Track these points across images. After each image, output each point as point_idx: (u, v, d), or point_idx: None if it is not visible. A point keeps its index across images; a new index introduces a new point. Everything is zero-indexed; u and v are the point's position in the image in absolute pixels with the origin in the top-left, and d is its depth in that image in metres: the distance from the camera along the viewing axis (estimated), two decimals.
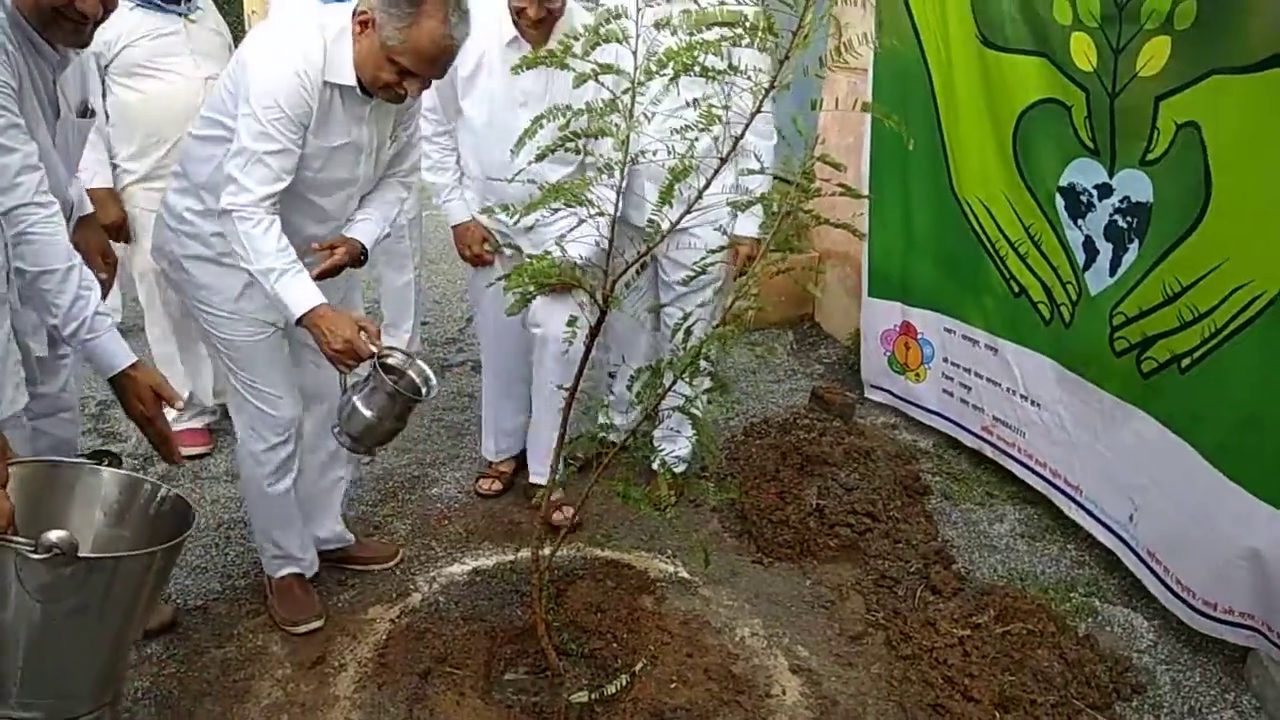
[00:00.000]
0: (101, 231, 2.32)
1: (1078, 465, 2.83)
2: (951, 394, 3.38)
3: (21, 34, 1.62)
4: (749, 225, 2.81)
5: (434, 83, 2.06)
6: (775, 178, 4.12)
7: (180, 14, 2.95)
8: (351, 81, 1.98)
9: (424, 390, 2.12)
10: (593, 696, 2.09)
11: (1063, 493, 2.90)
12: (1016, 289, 2.97)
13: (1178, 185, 2.32)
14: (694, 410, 2.01)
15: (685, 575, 2.67)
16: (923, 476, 3.19)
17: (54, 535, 1.28)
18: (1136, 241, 2.49)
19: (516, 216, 1.93)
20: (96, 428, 3.41)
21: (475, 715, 2.05)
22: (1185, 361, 2.36)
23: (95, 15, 1.66)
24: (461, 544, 2.78)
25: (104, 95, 2.83)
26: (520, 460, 3.08)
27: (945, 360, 3.38)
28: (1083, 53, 2.50)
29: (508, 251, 2.79)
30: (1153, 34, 2.29)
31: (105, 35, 2.72)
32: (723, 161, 1.73)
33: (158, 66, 2.89)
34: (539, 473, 2.88)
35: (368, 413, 2.04)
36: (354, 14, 1.96)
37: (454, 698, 2.08)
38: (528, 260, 1.84)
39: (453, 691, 2.10)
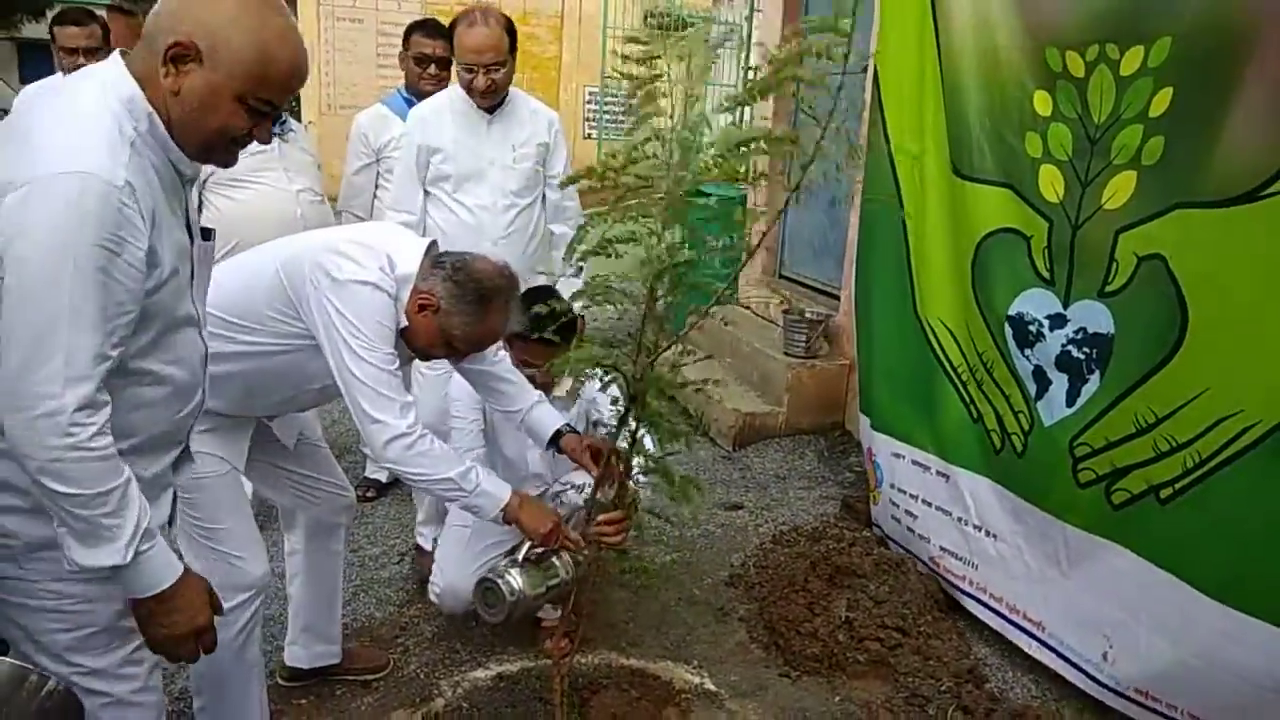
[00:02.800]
0: None
1: (1039, 601, 2.73)
2: (899, 520, 3.31)
3: (163, 155, 1.38)
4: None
5: None
6: (806, 287, 4.19)
7: (274, 134, 3.17)
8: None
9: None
10: None
11: (1022, 629, 2.79)
12: (974, 414, 2.93)
13: (1144, 316, 2.31)
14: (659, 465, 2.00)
15: (711, 687, 2.63)
16: (953, 592, 3.14)
17: None
18: (1098, 373, 2.47)
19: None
20: None
21: None
22: (1165, 492, 2.30)
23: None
24: (487, 648, 2.77)
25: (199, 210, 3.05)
26: None
27: (892, 486, 3.32)
28: (1050, 184, 2.54)
29: None
30: (1120, 169, 2.34)
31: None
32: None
33: (253, 179, 3.17)
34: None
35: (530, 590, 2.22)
36: (414, 291, 2.03)
37: None
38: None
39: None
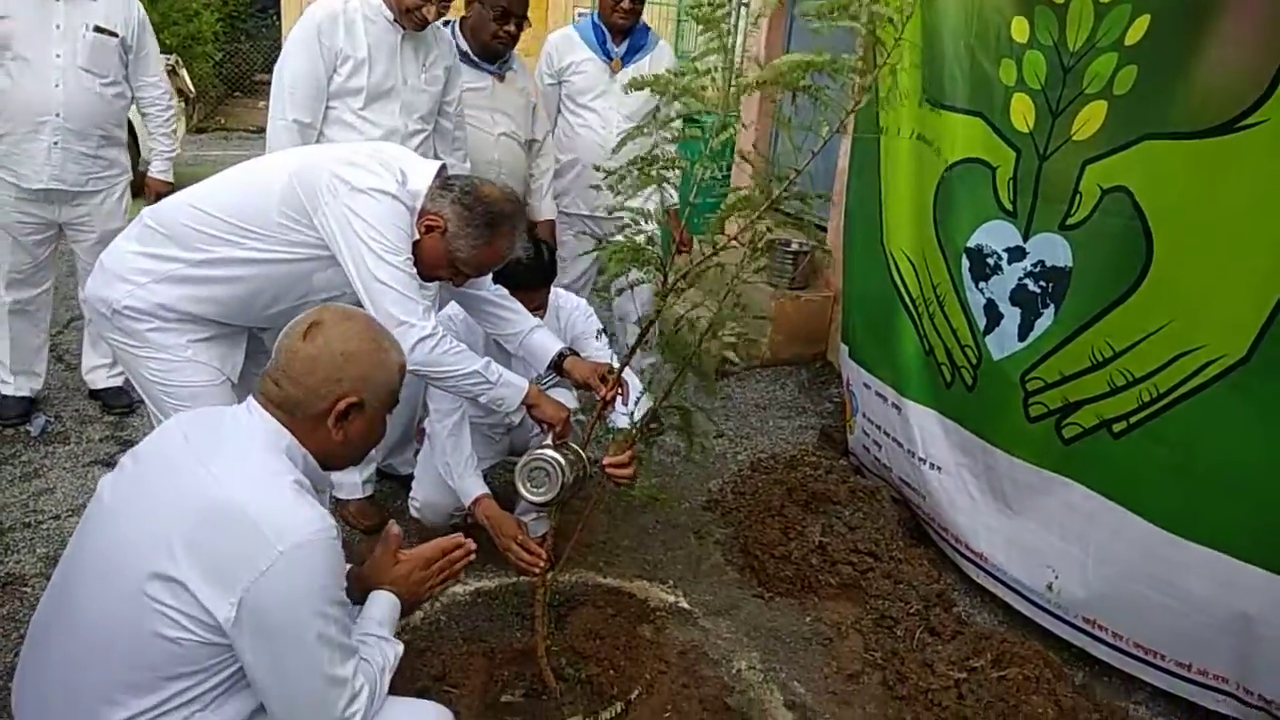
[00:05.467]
0: None
1: (982, 533, 2.78)
2: (868, 450, 3.36)
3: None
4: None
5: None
6: (791, 217, 4.20)
7: (492, 72, 3.24)
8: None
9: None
10: None
11: (969, 560, 2.85)
12: (927, 347, 2.94)
13: (1104, 249, 2.31)
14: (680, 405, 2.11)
15: (685, 605, 2.69)
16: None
17: None
18: (1052, 306, 2.47)
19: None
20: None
21: None
22: (1119, 426, 2.33)
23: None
24: (467, 564, 2.79)
25: None
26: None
27: (864, 416, 3.36)
28: (1021, 114, 2.50)
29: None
30: (1091, 98, 2.31)
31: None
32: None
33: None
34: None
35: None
36: (422, 213, 2.05)
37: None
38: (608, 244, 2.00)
39: (448, 709, 2.12)
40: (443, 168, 2.14)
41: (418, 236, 2.05)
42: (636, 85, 1.89)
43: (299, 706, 1.40)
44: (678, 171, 1.89)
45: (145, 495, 1.43)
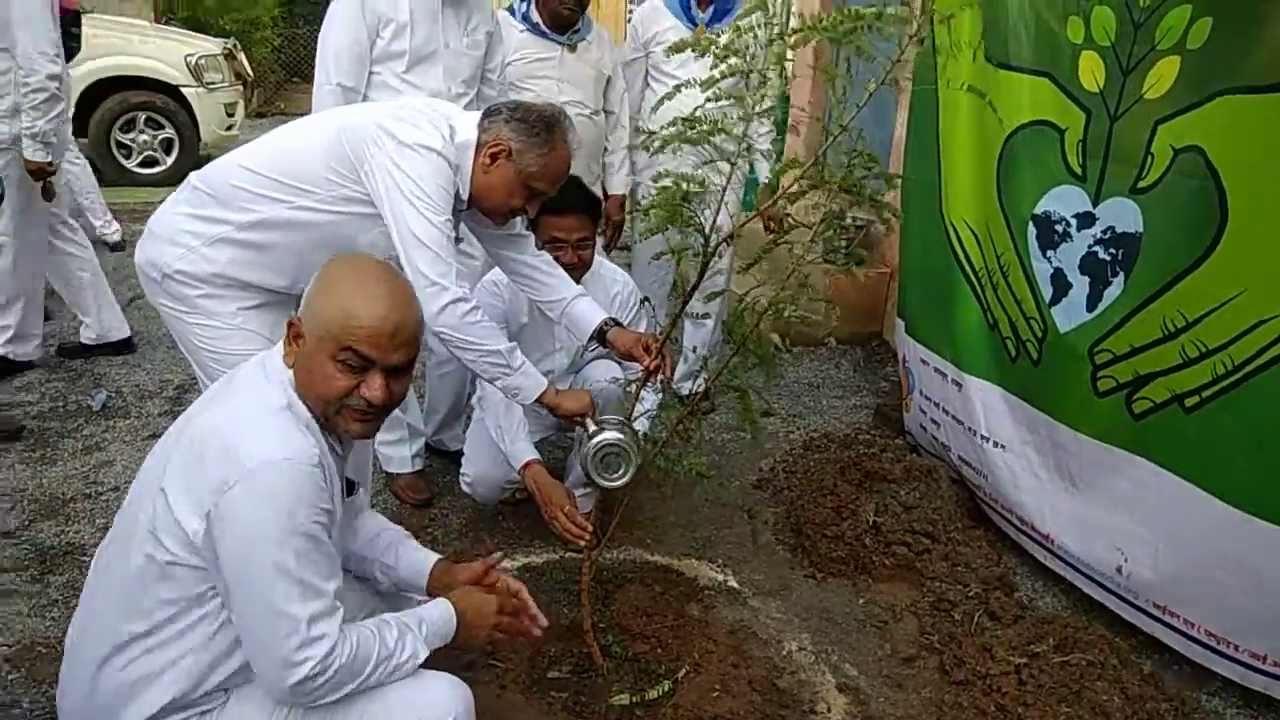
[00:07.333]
0: None
1: (1048, 513, 2.67)
2: (925, 429, 3.24)
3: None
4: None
5: None
6: (843, 189, 4.10)
7: (561, 43, 3.25)
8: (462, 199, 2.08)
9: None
10: (634, 700, 2.08)
11: (1035, 541, 2.74)
12: (991, 321, 2.82)
13: (1177, 213, 2.19)
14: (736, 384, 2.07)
15: (735, 585, 2.64)
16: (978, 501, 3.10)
17: None
18: (1122, 275, 2.35)
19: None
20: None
21: (516, 710, 2.05)
22: (1191, 400, 2.20)
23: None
24: (514, 540, 2.79)
25: None
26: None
27: (921, 393, 3.25)
28: (1091, 72, 2.37)
29: None
30: (1164, 54, 2.18)
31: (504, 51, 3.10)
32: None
33: (525, 87, 3.20)
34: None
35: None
36: (479, 146, 2.04)
37: (495, 690, 2.09)
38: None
39: (494, 684, 2.11)
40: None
41: (485, 171, 2.04)
42: (677, 48, 1.84)
43: (252, 639, 1.39)
44: (723, 135, 1.82)
45: (167, 441, 1.50)
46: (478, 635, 1.65)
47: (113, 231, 5.41)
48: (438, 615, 1.59)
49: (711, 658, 2.25)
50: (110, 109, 6.90)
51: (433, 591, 1.75)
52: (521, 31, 3.22)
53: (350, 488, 1.63)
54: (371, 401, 1.45)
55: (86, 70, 6.63)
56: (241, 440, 1.36)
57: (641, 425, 2.12)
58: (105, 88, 6.88)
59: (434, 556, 1.80)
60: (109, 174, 6.83)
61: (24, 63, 3.22)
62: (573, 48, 3.26)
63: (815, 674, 2.29)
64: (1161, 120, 2.20)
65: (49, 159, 3.33)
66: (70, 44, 3.79)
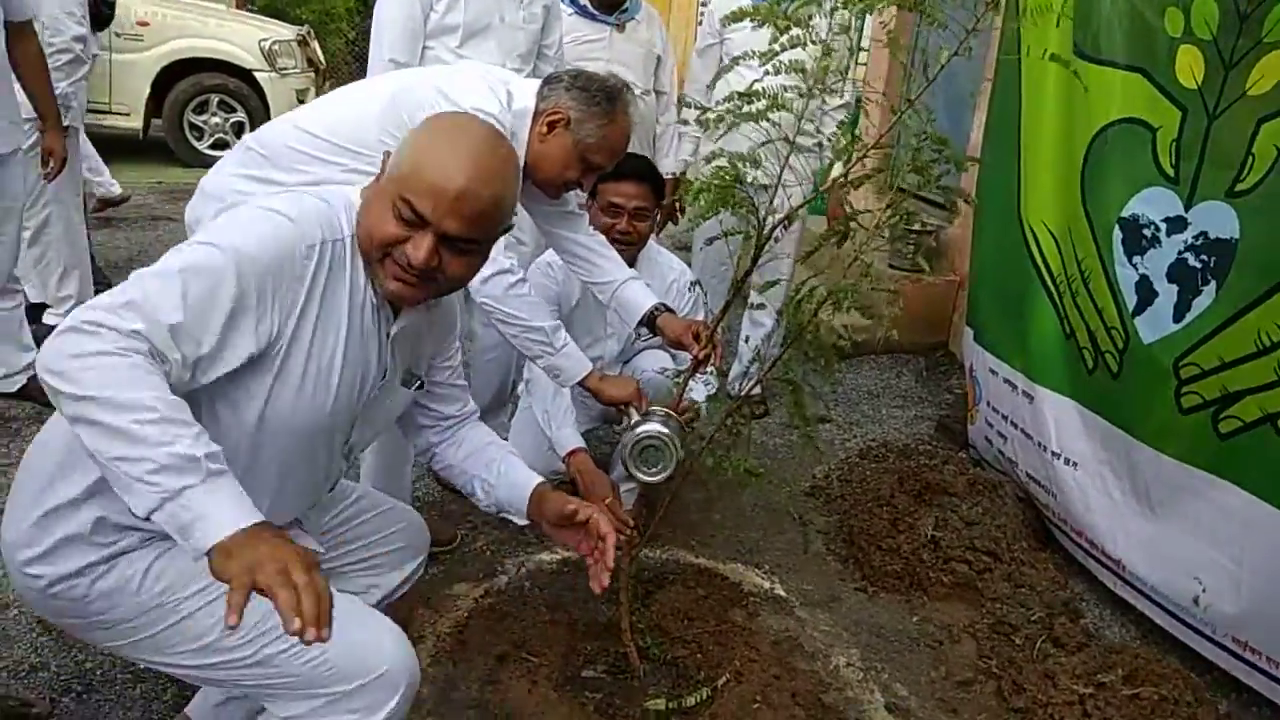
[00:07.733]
0: None
1: (1120, 537, 2.50)
2: (991, 442, 3.08)
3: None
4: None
5: None
6: (916, 197, 3.96)
7: (609, 24, 3.24)
8: None
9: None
10: (670, 706, 1.98)
11: (1104, 566, 2.57)
12: (1068, 330, 2.66)
13: (1276, 219, 2.03)
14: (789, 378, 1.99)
15: (782, 593, 2.52)
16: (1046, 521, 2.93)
17: None
18: (1214, 283, 2.19)
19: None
20: None
21: (547, 706, 1.97)
22: None
23: None
24: None
25: None
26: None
27: (988, 404, 3.08)
28: (1189, 67, 2.22)
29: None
30: (1271, 48, 2.02)
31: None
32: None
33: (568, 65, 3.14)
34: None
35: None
36: (537, 114, 1.98)
37: (527, 685, 2.01)
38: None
39: (526, 679, 2.03)
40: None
41: (541, 140, 1.98)
42: (735, 17, 1.76)
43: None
44: (783, 112, 1.72)
45: None
46: (229, 567, 1.05)
47: (112, 186, 5.26)
48: (213, 509, 1.07)
49: (754, 667, 2.13)
50: (184, 90, 7.00)
51: (531, 517, 1.64)
52: (570, 14, 3.17)
53: (409, 380, 1.51)
54: (412, 261, 1.30)
55: (163, 51, 6.76)
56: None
57: (700, 392, 2.01)
58: (181, 69, 6.99)
59: (536, 478, 1.66)
60: (181, 154, 6.95)
61: (50, 23, 3.21)
62: (621, 28, 3.23)
63: (863, 691, 2.17)
64: (1265, 119, 2.06)
65: (67, 123, 3.28)
66: (105, 10, 3.84)
